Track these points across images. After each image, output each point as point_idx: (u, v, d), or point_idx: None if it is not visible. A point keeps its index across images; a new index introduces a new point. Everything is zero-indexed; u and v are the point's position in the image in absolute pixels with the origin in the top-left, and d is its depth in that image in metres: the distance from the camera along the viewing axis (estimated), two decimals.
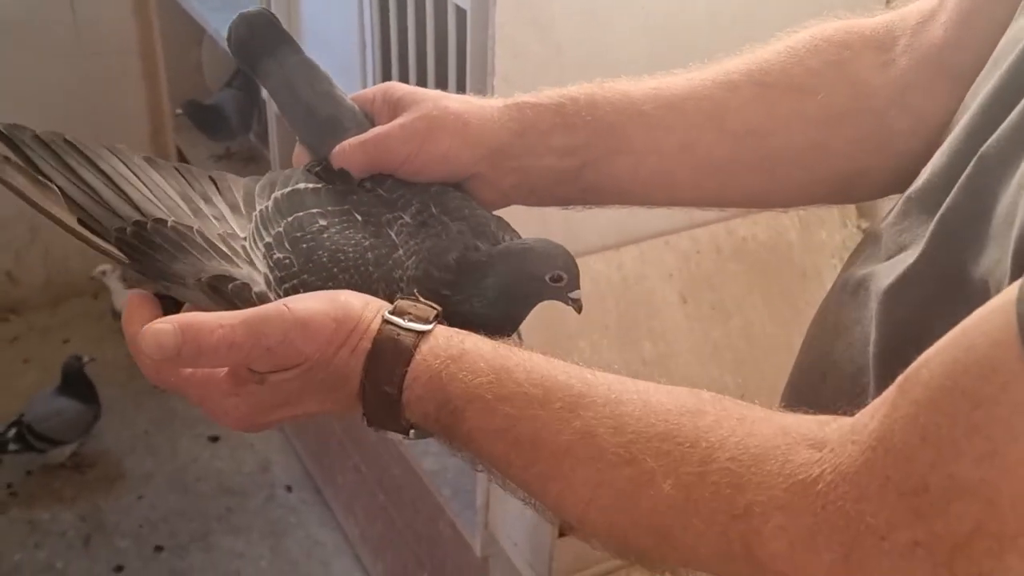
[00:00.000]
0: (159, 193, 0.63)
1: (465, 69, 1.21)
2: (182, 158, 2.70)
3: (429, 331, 0.54)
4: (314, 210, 0.63)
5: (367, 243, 0.61)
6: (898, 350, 0.52)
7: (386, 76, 1.46)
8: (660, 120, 0.67)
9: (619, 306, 1.33)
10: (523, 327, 1.30)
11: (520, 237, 0.67)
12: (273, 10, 1.72)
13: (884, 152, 0.67)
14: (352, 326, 0.54)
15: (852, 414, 0.44)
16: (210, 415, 0.58)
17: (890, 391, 0.42)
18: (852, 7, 1.34)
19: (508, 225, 0.67)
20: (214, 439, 2.45)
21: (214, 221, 0.62)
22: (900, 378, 0.41)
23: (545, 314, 1.29)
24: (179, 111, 2.46)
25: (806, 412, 0.48)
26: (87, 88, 2.66)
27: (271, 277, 0.60)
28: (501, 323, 0.62)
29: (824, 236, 1.46)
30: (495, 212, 0.69)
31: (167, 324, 0.55)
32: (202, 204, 0.63)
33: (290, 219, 0.62)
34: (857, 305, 0.57)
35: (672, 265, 1.37)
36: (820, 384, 0.60)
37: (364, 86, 1.51)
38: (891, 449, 0.40)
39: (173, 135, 2.71)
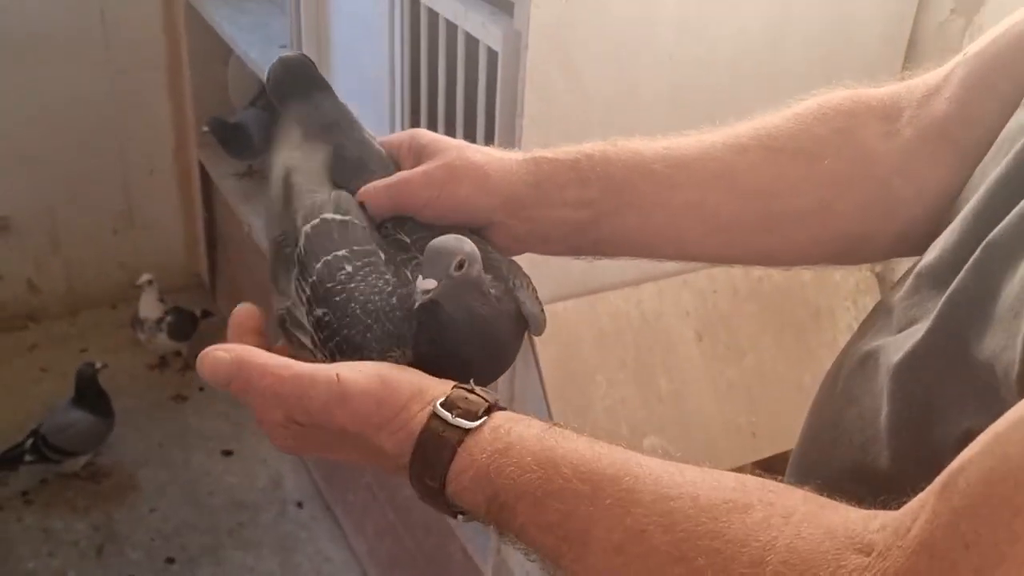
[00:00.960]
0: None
1: (494, 109, 1.24)
2: (204, 174, 2.73)
3: (475, 428, 0.55)
4: (340, 252, 0.65)
5: (389, 288, 0.64)
6: (910, 423, 0.54)
7: (415, 114, 1.49)
8: (669, 178, 0.69)
9: (637, 342, 1.36)
10: (544, 364, 1.32)
11: (529, 281, 0.70)
12: (304, 45, 1.76)
13: (887, 218, 0.69)
14: (394, 413, 0.56)
15: (890, 507, 0.45)
16: (263, 431, 0.61)
17: (929, 495, 0.43)
18: (868, 67, 1.37)
19: (520, 269, 0.70)
20: (227, 453, 2.48)
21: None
22: (938, 483, 0.43)
23: (564, 351, 1.32)
24: (205, 128, 2.50)
25: (818, 487, 0.49)
26: (114, 102, 2.70)
27: (316, 338, 0.63)
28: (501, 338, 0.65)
29: (838, 279, 1.49)
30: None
31: (226, 354, 0.59)
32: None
33: (319, 266, 0.65)
34: (867, 377, 0.59)
35: (689, 303, 1.40)
36: (830, 450, 0.61)
37: (392, 123, 1.54)
38: (935, 555, 0.41)
39: (197, 151, 2.74)
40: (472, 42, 1.27)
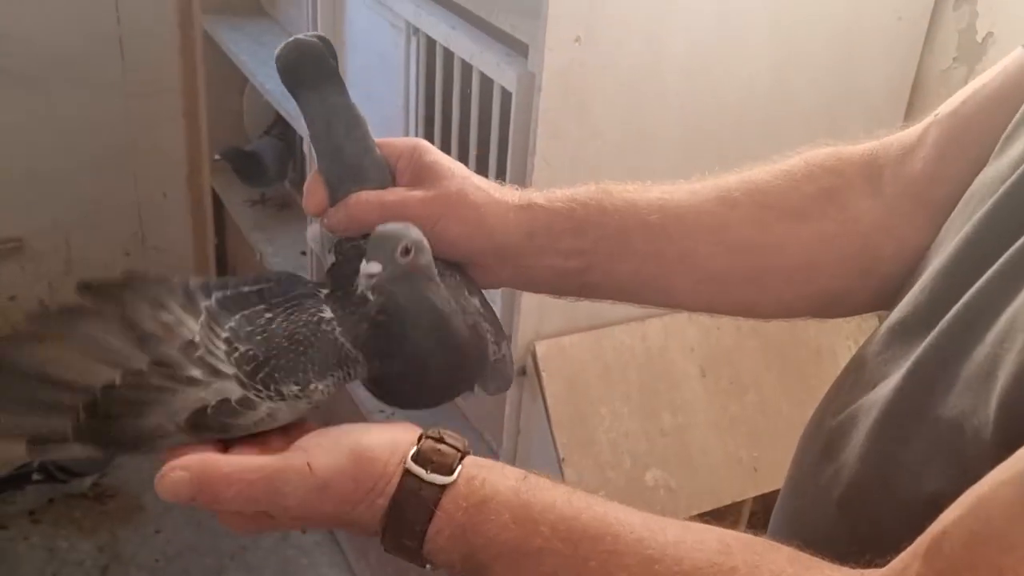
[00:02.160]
0: (95, 350, 0.60)
1: (507, 148, 1.27)
2: (217, 201, 2.77)
3: (451, 482, 0.54)
4: (259, 306, 0.63)
5: (316, 318, 0.62)
6: (881, 482, 0.56)
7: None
8: (663, 229, 0.70)
9: (641, 376, 1.38)
10: (549, 396, 1.35)
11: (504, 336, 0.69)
12: None
13: (868, 274, 0.71)
14: (371, 484, 0.55)
15: (875, 564, 0.46)
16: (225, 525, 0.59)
17: (913, 559, 0.44)
18: (872, 112, 1.40)
19: (501, 327, 0.70)
20: None
21: (162, 340, 0.60)
22: (922, 546, 0.44)
23: (570, 384, 1.34)
24: (217, 156, 2.54)
25: (802, 546, 0.50)
26: (130, 127, 2.74)
27: (241, 374, 0.59)
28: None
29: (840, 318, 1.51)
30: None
31: (184, 472, 0.55)
32: (149, 322, 0.61)
33: (237, 316, 0.62)
34: (844, 434, 0.60)
35: (694, 339, 1.42)
36: (811, 503, 0.62)
37: None
38: None
39: (210, 177, 2.78)
40: (487, 82, 1.31)
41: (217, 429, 0.57)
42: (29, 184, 2.68)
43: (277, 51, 0.70)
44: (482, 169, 1.41)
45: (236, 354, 0.59)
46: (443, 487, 0.54)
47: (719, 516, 1.50)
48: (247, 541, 2.32)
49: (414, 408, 0.66)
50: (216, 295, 0.63)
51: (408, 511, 0.54)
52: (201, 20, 2.58)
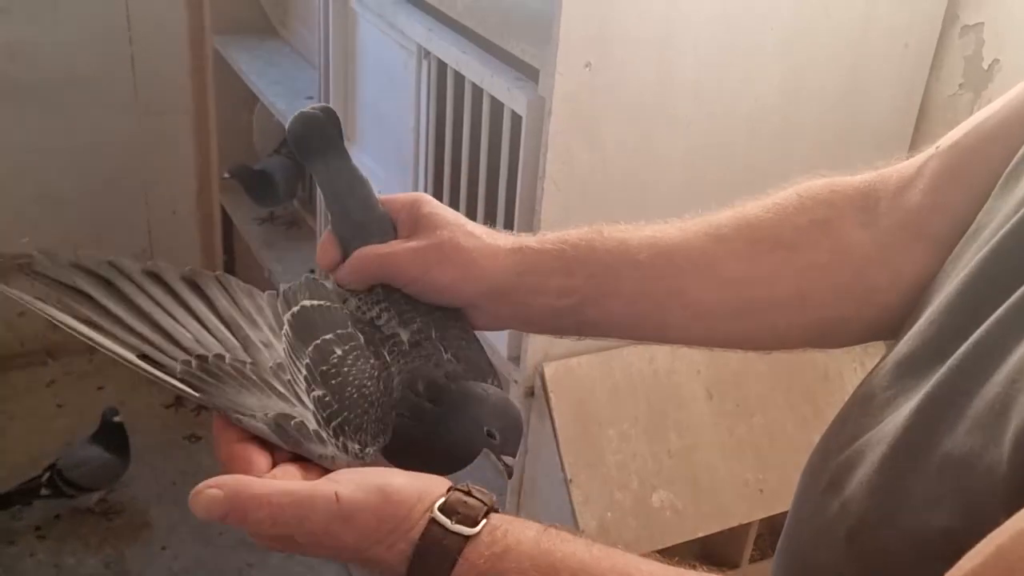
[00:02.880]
0: (210, 323, 0.66)
1: (517, 170, 1.29)
2: (226, 218, 2.79)
3: (475, 534, 0.55)
4: (327, 336, 0.67)
5: (376, 372, 0.67)
6: (888, 517, 0.56)
7: (438, 172, 1.54)
8: (653, 267, 0.72)
9: (649, 398, 1.39)
10: (557, 417, 1.36)
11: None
12: (332, 99, 1.82)
13: (863, 304, 0.71)
14: (395, 525, 0.56)
15: None
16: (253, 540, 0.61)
17: None
18: (879, 135, 1.42)
19: (496, 372, 0.73)
20: None
21: (263, 349, 0.65)
22: None
23: (578, 405, 1.35)
24: (226, 175, 2.56)
25: None
26: (140, 144, 2.76)
27: (319, 417, 0.63)
28: (444, 455, 0.67)
29: None
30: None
31: (218, 491, 0.57)
32: (249, 331, 0.66)
33: (311, 350, 0.66)
34: (850, 466, 0.60)
35: (700, 362, 1.43)
36: (816, 538, 0.62)
37: (416, 180, 1.59)
38: None
39: (219, 195, 2.80)
40: (497, 105, 1.32)
41: (292, 442, 0.61)
42: (40, 201, 2.71)
43: (287, 125, 0.77)
44: (492, 193, 1.42)
45: (314, 394, 0.64)
46: (467, 538, 0.55)
47: (725, 538, 1.51)
48: (253, 558, 2.33)
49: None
50: (288, 315, 0.68)
51: (431, 558, 0.55)
52: (212, 40, 2.60)
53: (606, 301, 0.72)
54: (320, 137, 0.75)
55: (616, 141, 1.26)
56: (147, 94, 2.73)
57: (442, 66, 1.46)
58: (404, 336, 0.70)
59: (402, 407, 0.66)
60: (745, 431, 1.44)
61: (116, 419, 2.36)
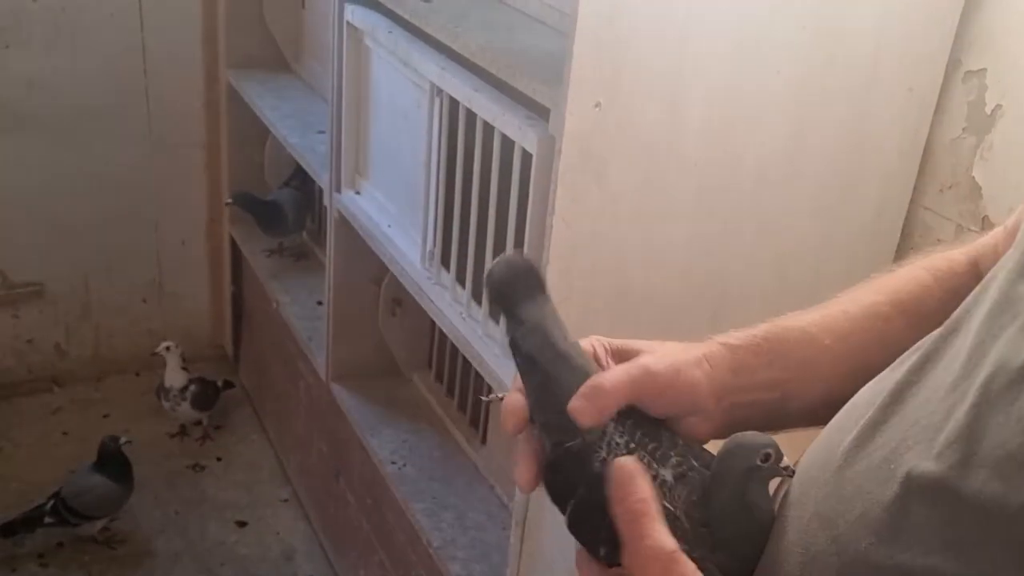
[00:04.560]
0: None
1: (526, 208, 1.31)
2: (235, 249, 2.82)
3: None
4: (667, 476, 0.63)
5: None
6: (887, 555, 0.57)
7: (448, 207, 1.56)
8: (835, 348, 0.74)
9: None
10: None
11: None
12: (344, 133, 1.85)
13: None
14: None
15: None
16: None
17: None
18: (884, 178, 1.43)
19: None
20: (242, 524, 2.50)
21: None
22: None
23: None
24: (228, 201, 2.59)
25: None
26: (153, 175, 2.80)
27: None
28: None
29: None
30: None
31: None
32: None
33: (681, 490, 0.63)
34: (842, 498, 0.61)
35: None
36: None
37: (427, 215, 1.61)
38: None
39: (229, 226, 2.83)
40: (508, 143, 1.34)
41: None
42: (52, 230, 2.74)
43: (488, 271, 0.68)
44: (501, 229, 1.44)
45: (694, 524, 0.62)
46: None
47: None
48: None
49: None
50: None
51: None
52: (227, 74, 2.64)
53: (807, 389, 0.73)
54: (530, 278, 0.67)
55: (625, 180, 1.28)
56: (160, 126, 2.76)
57: (454, 104, 1.49)
58: (667, 475, 0.63)
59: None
60: None
61: (121, 443, 2.37)
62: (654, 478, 0.61)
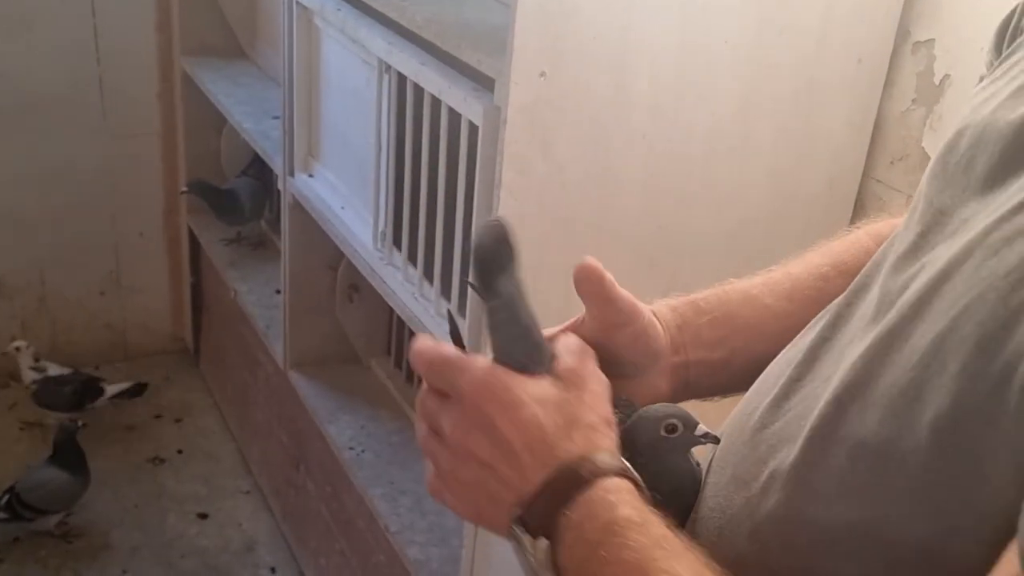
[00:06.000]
0: None
1: (474, 180, 1.29)
2: (193, 239, 2.78)
3: (617, 469, 0.58)
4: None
5: None
6: (796, 513, 0.57)
7: (399, 179, 1.54)
8: (779, 307, 0.76)
9: None
10: None
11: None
12: (296, 117, 1.82)
13: None
14: (568, 420, 0.60)
15: None
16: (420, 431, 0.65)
17: None
18: (835, 151, 1.43)
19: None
20: (203, 516, 2.47)
21: None
22: None
23: None
24: (184, 189, 2.56)
25: None
26: (108, 166, 2.76)
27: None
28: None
29: None
30: None
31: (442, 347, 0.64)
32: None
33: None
34: (758, 460, 0.61)
35: None
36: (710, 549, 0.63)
37: (378, 192, 1.59)
38: None
39: (186, 216, 2.79)
40: (455, 117, 1.33)
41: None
42: (6, 223, 2.69)
43: (473, 238, 0.68)
44: (451, 203, 1.42)
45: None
46: (607, 471, 0.58)
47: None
48: None
49: None
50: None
51: (564, 481, 0.58)
52: (180, 61, 2.60)
53: (751, 349, 0.74)
54: (509, 252, 0.66)
55: (572, 152, 1.27)
56: (115, 116, 2.72)
57: (402, 80, 1.47)
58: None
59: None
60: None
61: (78, 427, 2.33)
62: None
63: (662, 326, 0.72)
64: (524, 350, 0.65)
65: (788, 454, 0.57)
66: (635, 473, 0.60)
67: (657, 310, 0.74)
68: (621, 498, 0.56)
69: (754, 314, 0.75)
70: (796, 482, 0.56)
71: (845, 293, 0.64)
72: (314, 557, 2.26)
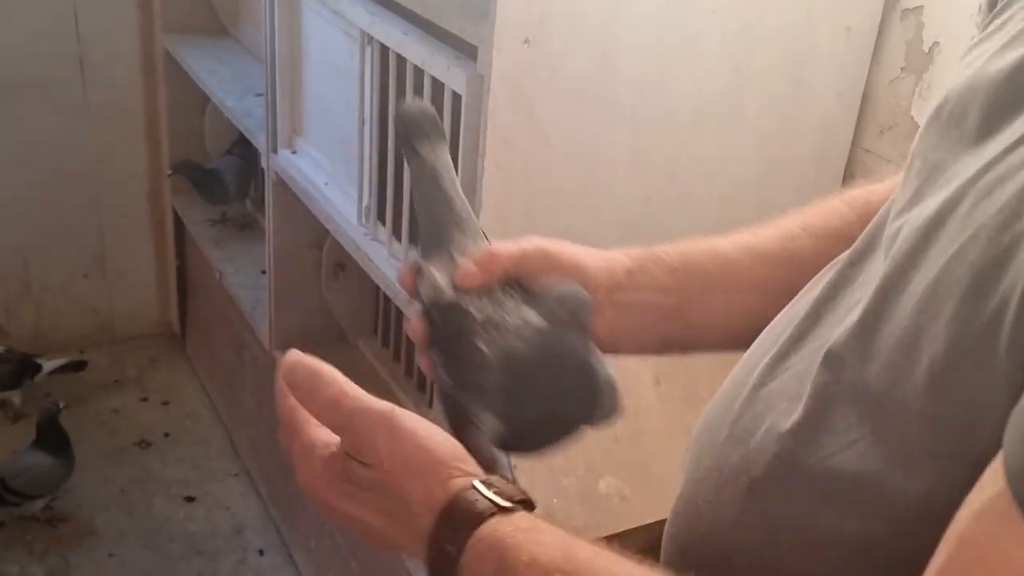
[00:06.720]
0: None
1: (458, 150, 1.27)
2: (178, 220, 2.75)
3: (507, 508, 0.55)
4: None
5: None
6: (797, 465, 0.56)
7: (382, 152, 1.52)
8: (741, 261, 0.76)
9: None
10: None
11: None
12: (278, 93, 1.80)
13: None
14: (433, 467, 0.57)
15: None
16: (291, 461, 0.63)
17: None
18: (824, 121, 1.41)
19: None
20: (190, 499, 2.45)
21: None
22: None
23: None
24: (169, 172, 2.53)
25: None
26: (91, 147, 2.72)
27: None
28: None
29: None
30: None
31: (311, 363, 0.62)
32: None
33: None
34: (755, 416, 0.61)
35: None
36: (706, 509, 0.63)
37: (361, 165, 1.57)
38: None
39: (171, 197, 2.76)
40: (438, 86, 1.31)
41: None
42: None
43: (396, 111, 0.76)
44: None
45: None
46: (499, 508, 0.55)
47: None
48: (203, 567, 2.28)
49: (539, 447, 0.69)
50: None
51: (458, 514, 0.56)
52: (162, 39, 2.57)
53: (706, 298, 0.74)
54: (432, 124, 0.74)
55: (558, 123, 1.25)
56: (97, 96, 2.68)
57: (385, 51, 1.45)
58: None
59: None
60: (693, 417, 1.42)
61: (60, 408, 2.31)
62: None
63: (599, 265, 0.73)
64: (448, 217, 0.70)
65: (789, 410, 0.57)
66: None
67: (611, 255, 0.75)
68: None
69: (716, 266, 0.75)
70: (797, 437, 0.55)
71: (849, 252, 0.63)
72: (304, 540, 2.24)
